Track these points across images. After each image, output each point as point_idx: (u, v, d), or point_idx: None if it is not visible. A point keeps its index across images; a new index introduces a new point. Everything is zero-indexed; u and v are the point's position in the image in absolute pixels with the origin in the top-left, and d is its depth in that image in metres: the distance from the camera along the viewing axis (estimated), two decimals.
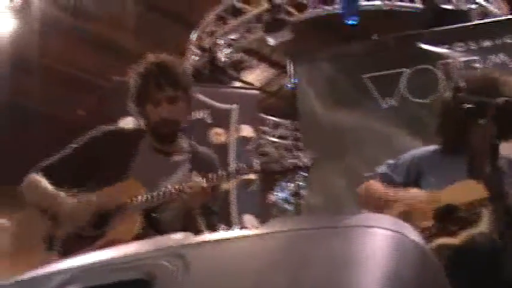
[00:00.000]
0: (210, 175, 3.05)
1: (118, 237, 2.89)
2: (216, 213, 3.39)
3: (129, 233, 2.92)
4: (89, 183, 3.23)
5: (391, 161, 3.59)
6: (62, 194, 3.15)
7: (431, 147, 3.57)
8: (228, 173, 3.07)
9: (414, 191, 3.31)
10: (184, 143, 3.44)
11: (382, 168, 3.59)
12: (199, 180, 3.01)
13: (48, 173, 3.28)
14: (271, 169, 3.03)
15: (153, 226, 3.01)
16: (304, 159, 3.02)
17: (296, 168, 3.08)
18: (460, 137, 3.30)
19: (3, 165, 10.66)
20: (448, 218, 3.05)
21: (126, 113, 3.71)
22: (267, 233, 1.37)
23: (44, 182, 3.23)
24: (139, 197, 3.05)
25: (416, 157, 3.53)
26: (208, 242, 1.42)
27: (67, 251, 2.97)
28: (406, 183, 3.42)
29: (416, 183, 3.41)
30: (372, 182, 3.51)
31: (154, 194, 3.04)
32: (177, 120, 3.31)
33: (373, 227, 1.29)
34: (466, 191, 3.09)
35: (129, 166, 3.23)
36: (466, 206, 3.05)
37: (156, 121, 3.28)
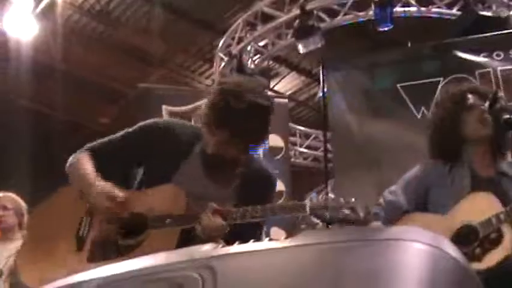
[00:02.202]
0: (234, 210, 2.88)
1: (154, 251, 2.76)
2: (259, 226, 3.14)
3: (166, 248, 2.71)
4: (131, 176, 3.17)
5: (393, 188, 3.41)
6: (102, 183, 3.01)
7: (430, 163, 3.43)
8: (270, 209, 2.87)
9: (424, 216, 3.22)
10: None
11: (386, 197, 3.41)
12: (212, 220, 2.84)
13: (94, 154, 3.16)
14: (320, 216, 2.78)
15: (187, 244, 2.81)
16: (361, 213, 2.75)
17: (349, 222, 2.78)
18: (460, 149, 3.23)
19: (25, 174, 10.60)
20: (468, 240, 2.92)
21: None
22: (299, 245, 1.34)
23: (88, 164, 3.11)
24: (177, 212, 2.93)
25: (420, 174, 3.39)
26: (238, 253, 1.40)
27: (94, 257, 2.90)
28: (417, 204, 3.30)
29: (425, 201, 3.29)
30: None
31: (186, 216, 2.92)
32: (230, 159, 3.04)
33: (410, 240, 1.27)
34: (480, 206, 2.99)
35: (176, 169, 3.07)
36: (484, 224, 2.93)
37: (211, 151, 3.06)
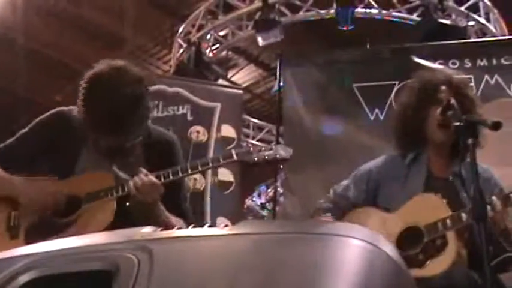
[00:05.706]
0: (163, 171, 2.95)
1: (90, 225, 2.86)
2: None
3: (101, 222, 2.88)
4: (41, 170, 3.11)
5: (345, 182, 3.43)
6: (19, 179, 3.05)
7: (389, 156, 3.45)
8: (190, 166, 3.00)
9: (373, 212, 3.21)
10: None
11: (336, 190, 3.44)
12: (146, 178, 2.89)
13: None
14: (247, 159, 2.99)
15: (124, 216, 2.87)
16: (282, 151, 3.01)
17: (273, 160, 3.02)
18: (420, 143, 3.25)
19: None
20: (412, 242, 2.91)
21: None
22: (237, 234, 1.38)
23: None
24: (110, 187, 2.97)
25: (374, 169, 3.39)
26: (176, 237, 1.43)
27: (33, 239, 2.78)
28: (367, 197, 3.31)
29: (375, 195, 3.31)
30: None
31: (118, 186, 2.97)
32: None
33: (346, 236, 1.29)
34: (427, 208, 2.98)
35: (78, 155, 3.11)
36: (429, 228, 2.91)
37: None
